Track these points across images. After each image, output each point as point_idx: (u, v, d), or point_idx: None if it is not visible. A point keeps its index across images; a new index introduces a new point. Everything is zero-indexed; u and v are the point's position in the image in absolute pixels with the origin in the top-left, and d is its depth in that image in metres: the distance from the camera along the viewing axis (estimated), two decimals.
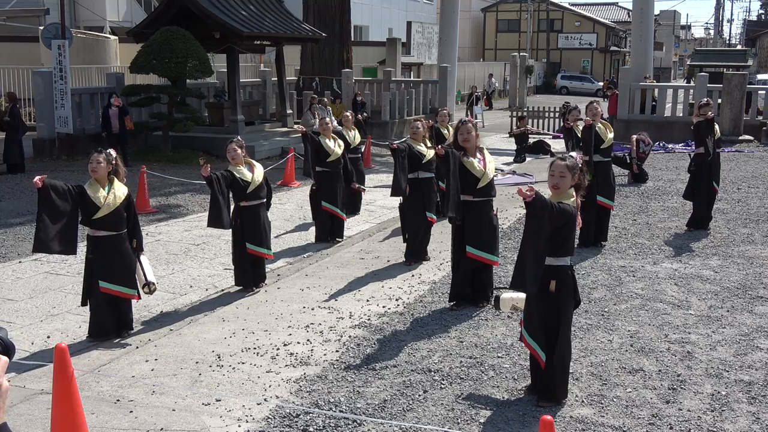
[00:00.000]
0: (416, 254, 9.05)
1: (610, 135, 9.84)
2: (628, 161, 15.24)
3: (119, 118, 16.28)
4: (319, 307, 7.43)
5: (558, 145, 18.94)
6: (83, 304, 6.57)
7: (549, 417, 3.59)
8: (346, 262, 9.21)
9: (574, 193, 5.17)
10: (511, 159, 18.66)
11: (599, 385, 5.57)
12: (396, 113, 23.32)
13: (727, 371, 5.84)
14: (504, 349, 6.26)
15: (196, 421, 5.02)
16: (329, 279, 8.40)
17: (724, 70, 28.87)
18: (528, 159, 18.80)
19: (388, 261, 9.18)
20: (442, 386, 5.55)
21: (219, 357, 6.11)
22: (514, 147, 19.36)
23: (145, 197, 12.09)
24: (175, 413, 5.12)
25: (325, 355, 6.17)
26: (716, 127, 10.81)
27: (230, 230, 7.88)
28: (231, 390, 5.50)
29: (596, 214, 9.60)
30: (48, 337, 6.58)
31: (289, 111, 22.31)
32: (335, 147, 9.84)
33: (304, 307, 7.39)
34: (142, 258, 6.66)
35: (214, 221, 7.45)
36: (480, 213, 7.20)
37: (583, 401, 5.29)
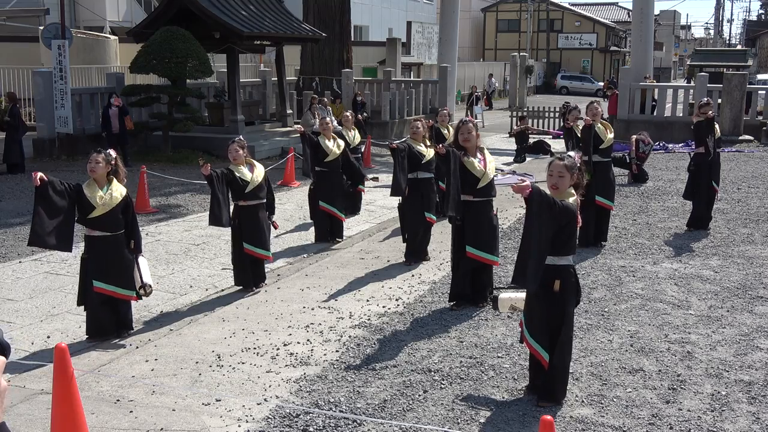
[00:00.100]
0: (416, 254, 9.05)
1: (610, 135, 9.83)
2: (628, 161, 15.25)
3: (119, 118, 16.29)
4: (319, 307, 7.43)
5: (558, 145, 18.93)
6: (79, 304, 6.57)
7: (549, 417, 3.58)
8: (346, 262, 9.21)
9: (573, 192, 5.17)
10: (511, 159, 18.67)
11: (599, 385, 5.57)
12: (396, 113, 23.32)
13: (727, 371, 5.84)
14: (504, 349, 6.26)
15: (196, 421, 5.02)
16: (329, 279, 8.40)
17: (724, 70, 28.87)
18: (528, 159, 18.80)
19: (388, 261, 9.18)
20: (442, 386, 5.55)
21: (219, 357, 6.11)
22: (514, 147, 19.37)
23: (145, 197, 12.09)
24: (175, 413, 5.12)
25: (325, 355, 6.17)
26: (716, 126, 10.79)
27: (230, 230, 7.90)
28: (231, 390, 5.50)
29: (595, 214, 9.59)
30: (48, 337, 6.58)
31: (289, 111, 22.31)
32: (333, 147, 9.84)
33: (304, 307, 7.39)
34: (140, 260, 6.62)
35: (214, 219, 7.51)
36: (480, 213, 7.20)
37: (583, 401, 5.29)
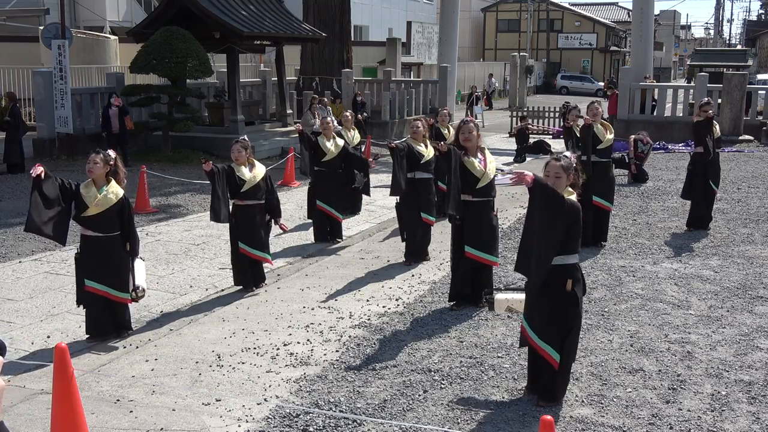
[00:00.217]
0: (416, 254, 9.05)
1: (609, 136, 9.79)
2: (627, 161, 15.25)
3: (119, 118, 16.28)
4: (319, 307, 7.43)
5: (558, 144, 18.93)
6: (78, 303, 6.57)
7: (549, 417, 3.59)
8: (346, 262, 9.21)
9: (572, 191, 5.17)
10: (511, 159, 18.67)
11: (599, 385, 5.57)
12: (396, 113, 23.33)
13: (727, 371, 5.84)
14: (504, 349, 6.26)
15: (196, 421, 5.02)
16: (329, 279, 8.40)
17: (724, 70, 28.87)
18: (528, 159, 18.80)
19: (388, 261, 9.18)
20: (442, 386, 5.55)
21: (219, 357, 6.11)
22: (514, 147, 19.38)
23: (145, 197, 12.10)
24: (175, 413, 5.12)
25: (325, 355, 6.17)
26: (716, 126, 10.76)
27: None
28: (231, 390, 5.50)
29: (594, 214, 9.56)
30: (48, 337, 6.58)
31: (289, 111, 22.32)
32: (332, 147, 9.85)
33: (304, 307, 7.39)
34: (137, 262, 6.55)
35: (214, 215, 7.58)
36: (479, 213, 7.19)
37: (583, 401, 5.29)
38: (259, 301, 7.63)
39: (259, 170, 7.87)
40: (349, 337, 6.58)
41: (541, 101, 35.91)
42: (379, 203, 12.76)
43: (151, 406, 5.23)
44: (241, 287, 7.95)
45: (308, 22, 23.64)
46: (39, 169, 6.12)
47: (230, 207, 7.77)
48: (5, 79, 21.86)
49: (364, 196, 12.24)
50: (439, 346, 6.36)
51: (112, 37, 27.11)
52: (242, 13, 19.11)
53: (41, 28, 21.68)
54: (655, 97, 24.41)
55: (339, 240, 10.19)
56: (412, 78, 32.91)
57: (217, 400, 5.30)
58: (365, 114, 20.93)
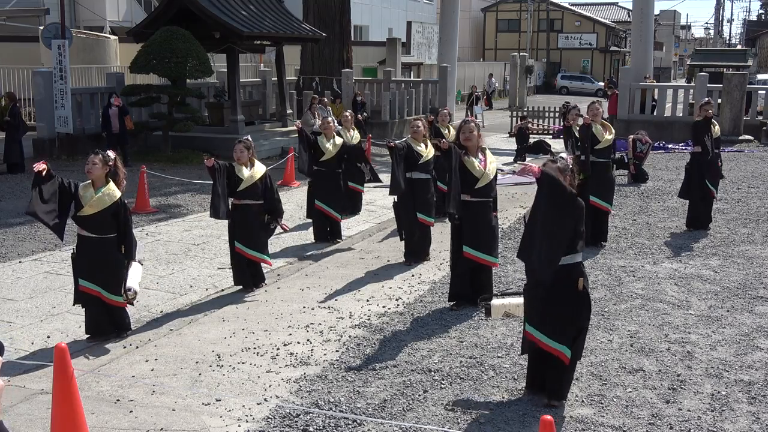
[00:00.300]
0: (416, 254, 9.04)
1: (608, 136, 9.75)
2: (626, 161, 15.24)
3: (119, 118, 16.27)
4: (319, 307, 7.43)
5: (558, 144, 18.93)
6: (75, 302, 6.58)
7: (549, 417, 3.59)
8: (346, 262, 9.21)
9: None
10: (511, 159, 18.67)
11: (599, 385, 5.57)
12: (396, 113, 23.33)
13: (727, 371, 5.84)
14: (504, 349, 6.26)
15: (196, 421, 5.02)
16: (329, 279, 8.40)
17: (724, 70, 28.87)
18: (528, 159, 18.80)
19: (388, 261, 9.18)
20: (442, 386, 5.55)
21: (219, 357, 6.11)
22: (514, 147, 19.38)
23: (145, 197, 12.09)
24: (175, 413, 5.12)
25: (325, 355, 6.17)
26: (716, 126, 10.72)
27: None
28: (231, 390, 5.50)
29: (592, 215, 9.53)
30: (48, 337, 6.58)
31: (289, 111, 22.32)
32: (330, 146, 9.86)
33: (304, 307, 7.39)
34: (134, 265, 6.46)
35: (214, 211, 7.64)
36: (478, 213, 7.17)
37: (583, 401, 5.29)
38: (259, 301, 7.63)
39: (258, 169, 7.87)
40: (349, 337, 6.58)
41: (541, 101, 35.90)
42: (379, 203, 12.76)
43: (151, 406, 5.23)
44: (241, 287, 7.96)
45: (308, 22, 23.64)
46: (42, 166, 6.14)
47: (230, 205, 7.78)
48: (5, 79, 21.86)
49: (363, 197, 12.24)
50: (439, 346, 6.36)
51: (112, 37, 27.10)
52: (242, 13, 19.11)
53: (41, 28, 21.68)
54: (655, 97, 24.42)
55: (338, 240, 10.19)
56: (412, 78, 32.91)
57: (217, 400, 5.30)
58: (365, 114, 20.93)
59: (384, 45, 33.19)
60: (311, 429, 4.90)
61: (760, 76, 35.96)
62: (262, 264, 8.09)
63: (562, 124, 19.78)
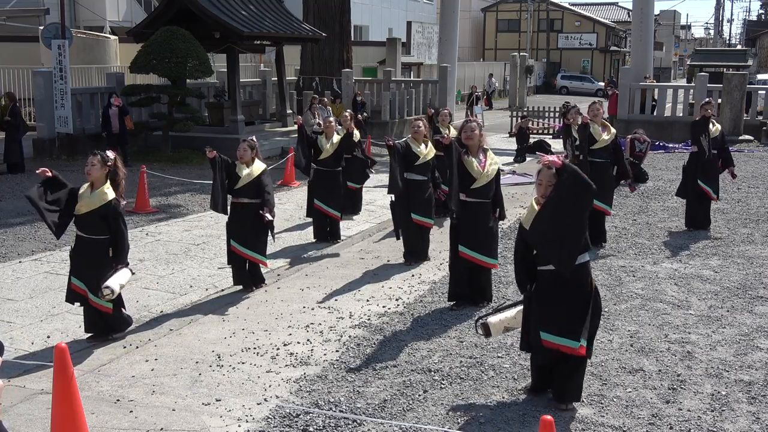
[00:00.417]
0: (415, 254, 9.03)
1: (605, 136, 9.69)
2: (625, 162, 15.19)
3: (119, 118, 16.28)
4: (319, 307, 7.43)
5: (558, 144, 18.92)
6: (66, 299, 6.58)
7: (549, 417, 3.59)
8: (346, 262, 9.21)
9: None
10: (511, 159, 18.67)
11: (599, 385, 5.57)
12: (396, 113, 23.33)
13: (727, 371, 5.85)
14: (504, 349, 6.26)
15: (196, 421, 5.02)
16: (329, 279, 8.40)
17: (724, 70, 28.88)
18: (528, 159, 18.80)
19: (388, 261, 9.18)
20: (442, 386, 5.55)
21: (219, 357, 6.11)
22: (514, 147, 19.38)
23: (145, 197, 12.09)
24: (175, 413, 5.12)
25: (325, 355, 6.17)
26: (715, 126, 10.58)
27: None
28: (231, 390, 5.50)
29: (591, 216, 9.47)
30: (48, 337, 6.58)
31: (289, 111, 22.32)
32: (327, 145, 9.88)
33: (304, 307, 7.39)
34: (121, 270, 6.29)
35: (213, 204, 7.71)
36: (475, 214, 7.15)
37: (583, 401, 5.29)
38: (259, 301, 7.63)
39: (257, 167, 7.85)
40: (349, 337, 6.58)
41: (541, 101, 35.90)
42: (379, 203, 12.76)
43: (151, 406, 5.23)
44: (241, 287, 7.96)
45: (308, 22, 23.64)
46: (48, 175, 6.23)
47: (228, 201, 7.81)
48: (5, 79, 21.86)
49: (364, 197, 12.26)
50: (439, 346, 6.36)
51: (112, 37, 27.11)
52: (242, 13, 19.11)
53: (41, 28, 21.68)
54: (655, 97, 24.42)
55: (337, 241, 10.19)
56: (412, 78, 32.91)
57: (217, 400, 5.30)
58: (365, 114, 20.92)
59: (384, 45, 33.19)
60: (311, 429, 4.90)
61: (760, 76, 35.95)
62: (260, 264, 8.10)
63: (561, 122, 19.80)
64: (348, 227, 10.93)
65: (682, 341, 6.47)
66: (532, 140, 20.07)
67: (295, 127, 10.46)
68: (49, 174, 6.27)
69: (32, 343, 6.43)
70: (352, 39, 28.68)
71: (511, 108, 31.72)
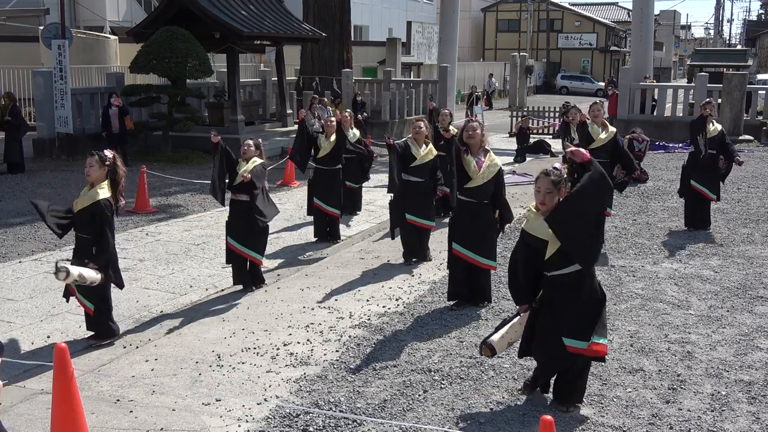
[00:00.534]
0: (413, 254, 9.01)
1: (603, 135, 9.69)
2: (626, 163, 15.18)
3: (119, 118, 16.28)
4: (319, 307, 7.43)
5: (559, 144, 18.92)
6: (63, 295, 6.59)
7: (549, 417, 3.59)
8: (346, 262, 9.21)
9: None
10: (511, 159, 18.66)
11: (599, 385, 5.57)
12: (396, 113, 23.34)
13: (727, 371, 5.85)
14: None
15: (196, 421, 5.02)
16: (329, 279, 8.40)
17: (724, 70, 28.88)
18: (528, 159, 18.80)
19: (388, 261, 9.18)
20: (442, 386, 5.55)
21: (219, 357, 6.11)
22: (514, 147, 19.39)
23: (145, 197, 12.10)
24: (175, 413, 5.12)
25: (325, 355, 6.17)
26: (714, 126, 10.48)
27: None
28: (231, 390, 5.50)
29: None
30: (48, 336, 6.59)
31: (289, 111, 22.33)
32: (325, 143, 9.92)
33: (304, 307, 7.39)
34: (92, 267, 6.13)
35: (212, 189, 7.79)
36: (470, 213, 7.14)
37: (583, 401, 5.28)
38: (259, 301, 7.63)
39: (253, 163, 7.84)
40: (349, 337, 6.58)
41: (541, 101, 35.90)
42: (379, 203, 12.76)
43: (151, 406, 5.23)
44: (241, 287, 7.96)
45: (308, 22, 23.65)
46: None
47: (226, 192, 7.90)
48: (5, 79, 21.87)
49: (364, 197, 12.26)
50: (439, 346, 6.36)
51: (112, 37, 27.11)
52: (242, 13, 19.11)
53: (41, 28, 21.69)
54: (655, 97, 24.42)
55: (337, 241, 10.20)
56: (412, 78, 32.91)
57: (217, 400, 5.30)
58: (365, 114, 20.93)
59: (384, 45, 33.20)
60: (311, 429, 4.90)
61: (760, 76, 35.99)
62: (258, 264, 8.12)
63: (561, 121, 19.82)
64: (348, 227, 10.94)
65: (682, 341, 6.47)
66: (532, 140, 20.07)
67: (295, 127, 10.49)
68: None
69: (32, 343, 6.43)
70: (352, 39, 28.69)
71: (511, 108, 31.73)
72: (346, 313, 7.21)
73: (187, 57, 16.97)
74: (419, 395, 5.39)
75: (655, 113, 23.70)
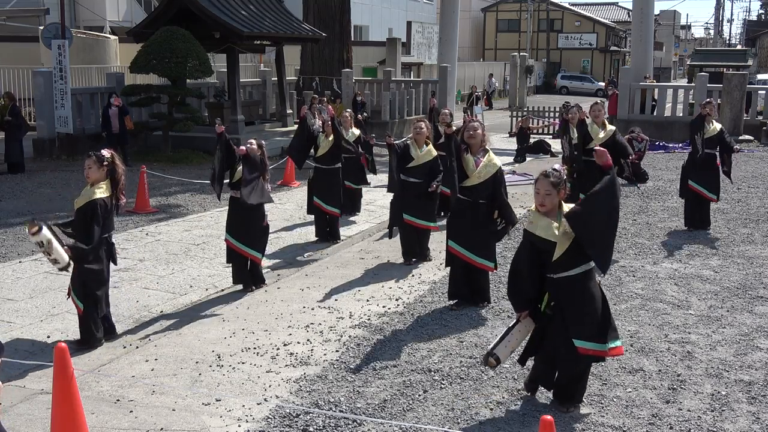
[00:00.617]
0: (413, 254, 9.01)
1: (601, 135, 9.69)
2: (622, 162, 15.15)
3: (119, 118, 16.28)
4: (319, 307, 7.43)
5: (558, 145, 18.92)
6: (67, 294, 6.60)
7: (549, 417, 3.59)
8: (346, 262, 9.21)
9: (564, 206, 5.08)
10: (511, 159, 18.67)
11: (599, 385, 5.57)
12: (396, 113, 23.33)
13: (727, 371, 5.85)
14: None
15: (196, 421, 5.02)
16: (329, 279, 8.40)
17: (724, 70, 28.88)
18: (528, 159, 18.80)
19: (388, 261, 9.18)
20: (442, 386, 5.55)
21: (219, 357, 6.11)
22: (514, 147, 19.39)
23: (145, 197, 12.10)
24: (175, 413, 5.12)
25: (325, 355, 6.17)
26: (713, 125, 10.43)
27: None
28: (231, 390, 5.50)
29: None
30: (48, 336, 6.59)
31: (289, 111, 22.33)
32: (323, 142, 9.94)
33: (304, 307, 7.39)
34: (67, 251, 6.02)
35: (212, 176, 7.77)
36: (466, 212, 7.15)
37: (583, 401, 5.28)
38: (259, 301, 7.63)
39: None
40: (349, 337, 6.58)
41: (541, 101, 35.91)
42: (379, 203, 12.76)
43: (151, 406, 5.23)
44: (241, 286, 7.96)
45: (308, 22, 23.65)
46: None
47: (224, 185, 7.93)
48: (5, 79, 21.87)
49: (364, 196, 12.26)
50: (439, 346, 6.36)
51: (112, 37, 27.11)
52: (242, 13, 19.11)
53: (41, 28, 21.69)
54: (655, 97, 24.41)
55: (337, 241, 10.20)
56: (412, 78, 32.91)
57: (217, 400, 5.30)
58: (365, 114, 20.93)
59: (384, 45, 33.19)
60: (311, 429, 4.91)
61: (760, 76, 35.96)
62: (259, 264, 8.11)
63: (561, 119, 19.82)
64: (348, 227, 10.93)
65: (682, 341, 6.47)
66: (532, 140, 20.07)
67: (295, 127, 10.51)
68: None
69: (32, 343, 6.43)
70: (352, 39, 28.69)
71: (511, 108, 31.73)
72: (346, 313, 7.21)
73: (187, 57, 16.97)
74: (419, 395, 5.39)
75: (655, 113, 23.70)
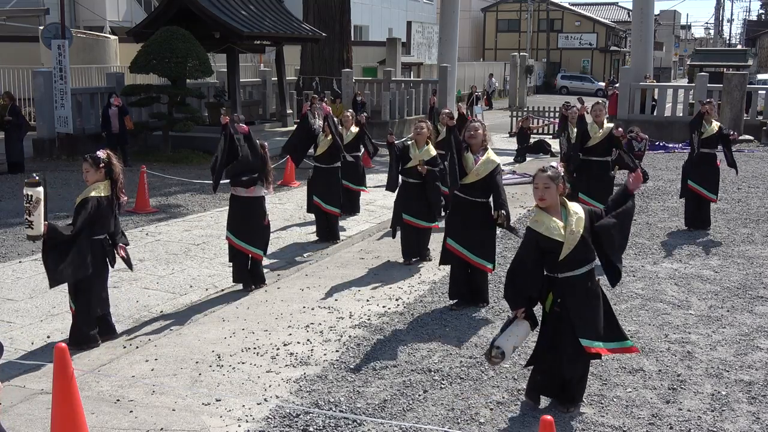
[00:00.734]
0: (412, 254, 9.01)
1: (599, 133, 9.67)
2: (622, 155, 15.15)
3: (119, 118, 16.27)
4: (319, 307, 7.43)
5: (558, 144, 18.92)
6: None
7: (549, 417, 3.59)
8: (346, 262, 9.21)
9: (566, 201, 5.09)
10: (511, 159, 18.66)
11: (599, 385, 5.57)
12: (396, 113, 23.33)
13: (727, 371, 5.85)
14: None
15: (196, 421, 5.02)
16: (329, 279, 8.40)
17: (724, 70, 28.88)
18: (528, 159, 18.80)
19: (388, 261, 9.18)
20: (442, 386, 5.55)
21: (219, 357, 6.11)
22: (514, 147, 19.39)
23: (145, 197, 12.10)
24: (175, 413, 5.12)
25: (325, 355, 6.17)
26: (711, 125, 10.38)
27: None
28: (231, 390, 5.50)
29: None
30: (48, 336, 6.59)
31: (289, 111, 22.34)
32: (322, 142, 9.95)
33: (304, 307, 7.39)
34: (50, 239, 5.95)
35: (212, 166, 7.77)
36: (464, 210, 7.16)
37: (583, 401, 5.28)
38: (259, 301, 7.63)
39: None
40: (349, 337, 6.58)
41: (541, 101, 35.91)
42: (379, 203, 12.76)
43: (151, 406, 5.23)
44: (241, 286, 7.96)
45: (308, 22, 23.65)
46: None
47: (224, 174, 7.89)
48: (5, 79, 21.87)
49: (364, 196, 12.25)
50: (439, 346, 6.36)
51: (112, 37, 27.11)
52: (242, 13, 19.12)
53: (41, 28, 21.68)
54: (655, 97, 24.41)
55: (336, 241, 10.20)
56: (412, 78, 32.91)
57: (217, 400, 5.30)
58: (365, 114, 20.93)
59: (384, 45, 33.20)
60: (311, 429, 4.91)
61: (760, 76, 35.97)
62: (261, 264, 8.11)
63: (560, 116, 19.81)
64: (348, 227, 10.93)
65: (682, 341, 6.47)
66: (532, 140, 20.07)
67: (305, 105, 10.52)
68: None
69: (32, 343, 6.43)
70: (352, 39, 28.70)
71: (511, 108, 31.74)
72: (346, 313, 7.21)
73: (187, 57, 16.97)
74: (419, 395, 5.39)
75: (655, 113, 23.69)
